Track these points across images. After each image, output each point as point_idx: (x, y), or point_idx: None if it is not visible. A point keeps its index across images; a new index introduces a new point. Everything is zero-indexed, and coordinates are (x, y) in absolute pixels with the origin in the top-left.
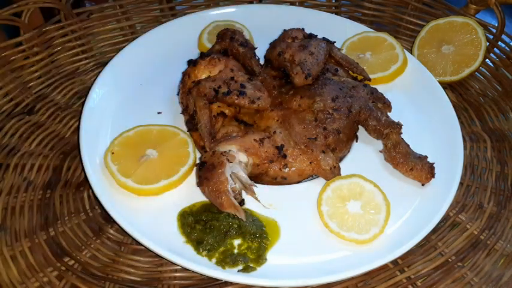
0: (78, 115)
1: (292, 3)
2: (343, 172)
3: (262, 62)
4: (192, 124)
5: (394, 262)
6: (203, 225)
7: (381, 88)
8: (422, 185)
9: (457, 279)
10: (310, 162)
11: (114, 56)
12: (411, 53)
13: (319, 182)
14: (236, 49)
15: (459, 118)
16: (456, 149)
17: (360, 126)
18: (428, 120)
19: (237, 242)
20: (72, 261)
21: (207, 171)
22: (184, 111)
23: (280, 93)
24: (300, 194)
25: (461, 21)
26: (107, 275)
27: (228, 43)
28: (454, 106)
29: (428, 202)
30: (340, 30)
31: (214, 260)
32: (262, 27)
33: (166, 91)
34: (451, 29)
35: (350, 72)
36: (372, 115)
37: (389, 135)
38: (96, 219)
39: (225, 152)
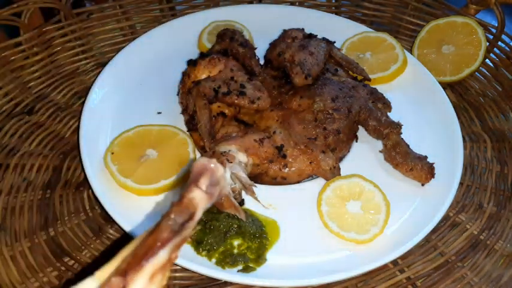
0: (78, 115)
1: (292, 3)
2: (343, 172)
3: (262, 62)
4: (192, 124)
5: (394, 262)
6: (203, 225)
7: (380, 88)
8: (422, 185)
9: (457, 279)
10: (310, 163)
11: (114, 56)
12: (411, 53)
13: (319, 182)
14: (236, 49)
15: (459, 118)
16: (456, 149)
17: (360, 126)
18: (428, 120)
19: (236, 242)
20: (72, 261)
21: None
22: (184, 111)
23: (280, 93)
24: (300, 194)
25: (461, 21)
26: None
27: (228, 43)
28: (454, 106)
29: (428, 202)
30: (340, 30)
31: (214, 260)
32: (262, 27)
33: (166, 91)
34: (451, 29)
35: (350, 72)
36: (372, 115)
37: (389, 135)
38: (96, 219)
39: (224, 152)
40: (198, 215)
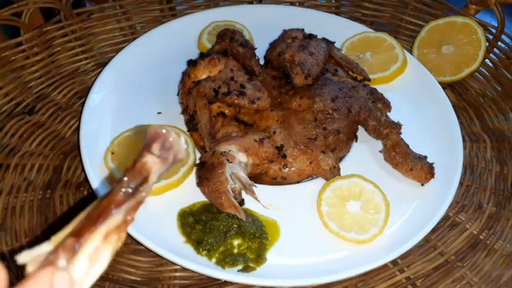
0: (78, 115)
1: (292, 3)
2: (343, 172)
3: (262, 62)
4: (192, 124)
5: (394, 262)
6: (203, 225)
7: (380, 88)
8: (422, 185)
9: (457, 279)
10: (310, 163)
11: (114, 56)
12: (411, 53)
13: (318, 182)
14: (236, 49)
15: (459, 118)
16: (456, 149)
17: (359, 126)
18: (428, 120)
19: (236, 242)
20: None
21: (207, 172)
22: (184, 111)
23: (280, 94)
24: (300, 194)
25: (461, 21)
26: (107, 275)
27: (228, 43)
28: (454, 106)
29: (428, 202)
30: (340, 30)
31: (214, 259)
32: (262, 27)
33: (166, 91)
34: (450, 29)
35: (350, 72)
36: (372, 115)
37: (389, 135)
38: None
39: (225, 152)
40: (152, 178)
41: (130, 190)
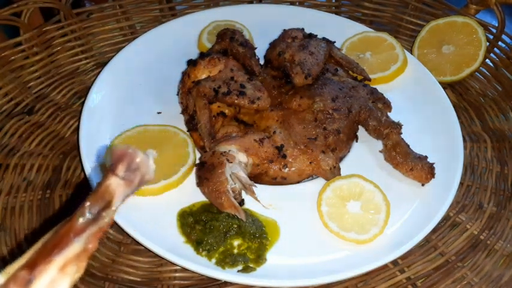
0: (78, 115)
1: (292, 3)
2: (343, 172)
3: (262, 62)
4: (192, 124)
5: (394, 262)
6: (203, 225)
7: (380, 88)
8: (422, 185)
9: (457, 279)
10: (310, 163)
11: (113, 56)
12: (411, 53)
13: (319, 182)
14: (236, 49)
15: (459, 118)
16: (456, 149)
17: (360, 126)
18: (428, 120)
19: (236, 242)
20: None
21: (206, 172)
22: (184, 111)
23: (280, 93)
24: (300, 194)
25: (461, 21)
26: (106, 275)
27: (228, 43)
28: (454, 106)
29: (428, 202)
30: (340, 30)
31: (214, 260)
32: (262, 27)
33: (166, 91)
34: (451, 29)
35: (350, 72)
36: (372, 115)
37: (389, 135)
38: None
39: (224, 152)
40: (116, 202)
41: (92, 216)
